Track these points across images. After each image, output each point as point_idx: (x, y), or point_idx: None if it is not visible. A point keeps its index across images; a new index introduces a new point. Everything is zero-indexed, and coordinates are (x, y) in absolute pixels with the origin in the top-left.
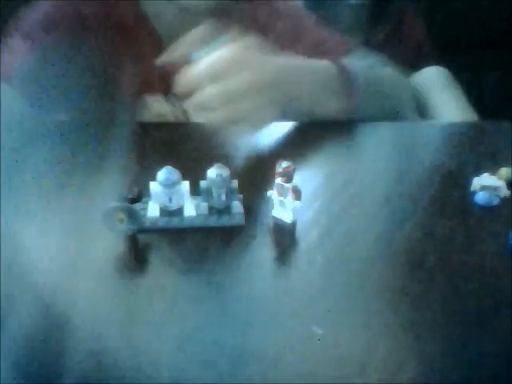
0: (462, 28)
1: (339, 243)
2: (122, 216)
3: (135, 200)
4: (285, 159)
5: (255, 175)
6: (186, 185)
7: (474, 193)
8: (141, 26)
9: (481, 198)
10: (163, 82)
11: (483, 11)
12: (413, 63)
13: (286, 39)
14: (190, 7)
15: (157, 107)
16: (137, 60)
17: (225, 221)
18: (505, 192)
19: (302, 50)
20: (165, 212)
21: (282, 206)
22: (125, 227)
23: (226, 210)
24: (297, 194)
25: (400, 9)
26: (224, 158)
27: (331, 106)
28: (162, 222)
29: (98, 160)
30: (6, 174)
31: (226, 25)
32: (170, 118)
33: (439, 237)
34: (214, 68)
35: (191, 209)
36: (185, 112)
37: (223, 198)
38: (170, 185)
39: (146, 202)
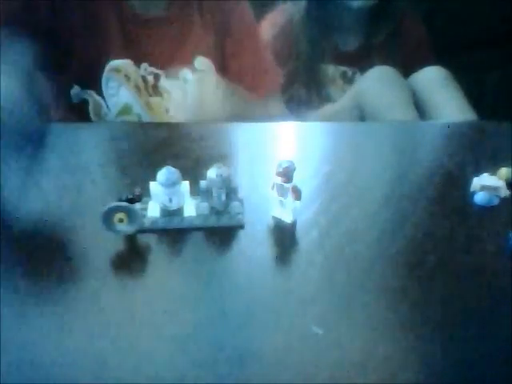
0: (462, 28)
1: (339, 243)
2: (122, 216)
3: (135, 200)
4: (285, 159)
5: (255, 175)
6: (185, 185)
7: (473, 193)
8: None
9: (481, 198)
10: (131, 49)
11: (483, 11)
12: (413, 63)
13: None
14: None
15: (123, 69)
16: (100, 25)
17: (225, 221)
18: (505, 192)
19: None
20: (165, 212)
21: (282, 206)
22: (125, 227)
23: (225, 210)
24: (297, 193)
25: (400, 9)
26: (224, 158)
27: None
28: (162, 222)
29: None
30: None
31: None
32: (137, 81)
33: (439, 237)
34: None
35: (191, 209)
36: (156, 78)
37: (223, 198)
38: (170, 185)
39: (146, 202)
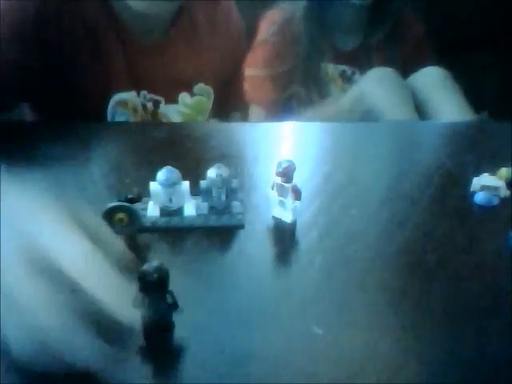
0: (462, 28)
1: (339, 243)
2: (122, 216)
3: (135, 200)
4: (285, 159)
5: (255, 175)
6: (186, 185)
7: (473, 193)
8: (108, 23)
9: (481, 198)
10: (134, 79)
11: (483, 11)
12: (412, 63)
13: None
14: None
15: (131, 102)
16: (106, 57)
17: (225, 221)
18: (505, 192)
19: None
20: (165, 212)
21: (281, 206)
22: (125, 227)
23: (226, 210)
24: (297, 193)
25: (398, 8)
26: (224, 158)
27: None
28: (162, 222)
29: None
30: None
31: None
32: (142, 112)
33: (439, 237)
34: None
35: (191, 209)
36: (155, 104)
37: (223, 197)
38: (170, 185)
39: (146, 202)
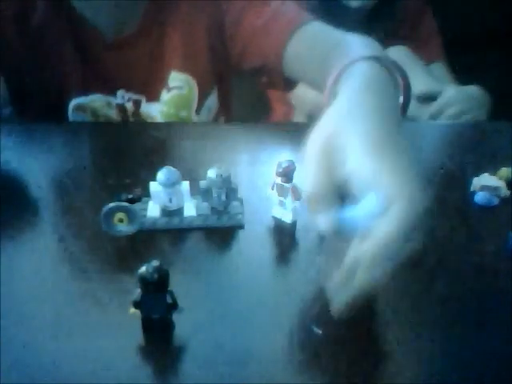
0: (462, 28)
1: (339, 243)
2: (122, 216)
3: (135, 200)
4: (285, 159)
5: (255, 175)
6: (186, 185)
7: (473, 193)
8: (60, 26)
9: (481, 198)
10: (100, 78)
11: (483, 11)
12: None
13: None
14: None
15: (90, 107)
16: (57, 63)
17: (225, 221)
18: (505, 192)
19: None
20: (165, 212)
21: (281, 206)
22: (125, 227)
23: (225, 210)
24: (297, 194)
25: (400, 10)
26: (224, 158)
27: None
28: (162, 222)
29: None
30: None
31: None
32: (108, 113)
33: (439, 237)
34: None
35: (191, 209)
36: (136, 104)
37: (223, 198)
38: (170, 185)
39: (146, 202)
